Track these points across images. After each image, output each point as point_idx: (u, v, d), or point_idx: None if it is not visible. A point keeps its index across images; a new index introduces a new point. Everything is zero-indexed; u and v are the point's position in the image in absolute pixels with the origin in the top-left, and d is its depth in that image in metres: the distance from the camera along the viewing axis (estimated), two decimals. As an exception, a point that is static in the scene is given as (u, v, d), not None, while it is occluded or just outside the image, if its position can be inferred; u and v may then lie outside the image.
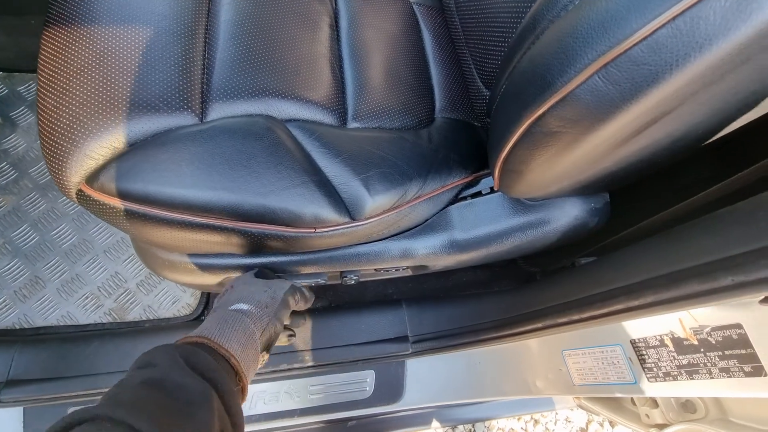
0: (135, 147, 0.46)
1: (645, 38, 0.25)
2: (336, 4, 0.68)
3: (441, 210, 0.61)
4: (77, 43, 0.49)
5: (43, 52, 0.51)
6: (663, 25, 0.24)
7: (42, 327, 0.80)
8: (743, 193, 0.47)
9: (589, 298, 0.49)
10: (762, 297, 0.34)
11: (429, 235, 0.60)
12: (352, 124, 0.59)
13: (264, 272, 0.55)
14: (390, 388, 0.84)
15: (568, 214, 0.57)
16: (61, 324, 0.81)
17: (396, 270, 0.66)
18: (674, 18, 0.23)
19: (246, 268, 0.56)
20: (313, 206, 0.49)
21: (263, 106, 0.52)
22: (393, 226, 0.57)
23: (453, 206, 0.61)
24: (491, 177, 0.63)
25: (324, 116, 0.56)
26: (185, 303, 0.86)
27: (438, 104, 0.68)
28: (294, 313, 0.55)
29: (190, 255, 0.56)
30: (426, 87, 0.68)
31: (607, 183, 0.49)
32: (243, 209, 0.46)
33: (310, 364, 0.79)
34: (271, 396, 0.81)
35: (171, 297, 0.86)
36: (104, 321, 0.82)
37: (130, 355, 0.75)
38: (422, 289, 0.97)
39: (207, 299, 0.88)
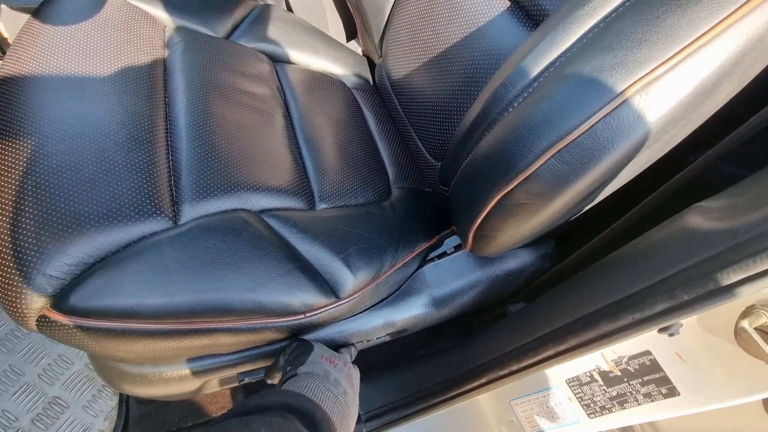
0: (107, 260, 0.44)
1: (587, 130, 0.33)
2: (285, 96, 0.74)
3: (413, 274, 0.65)
4: (28, 160, 0.47)
5: (-15, 172, 0.47)
6: (599, 121, 0.32)
7: None
8: (625, 236, 0.55)
9: (522, 348, 0.51)
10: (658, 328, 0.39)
11: (407, 299, 0.63)
12: (321, 206, 0.62)
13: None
14: (350, 478, 0.78)
15: (526, 262, 0.64)
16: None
17: (377, 338, 0.67)
18: (605, 116, 0.32)
19: (231, 365, 0.54)
20: (301, 292, 0.49)
21: (236, 201, 0.53)
22: (373, 297, 0.60)
23: (424, 268, 0.65)
24: (453, 237, 0.69)
25: (294, 202, 0.59)
26: (98, 430, 0.75)
27: (391, 176, 0.74)
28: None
29: (166, 364, 0.52)
30: (378, 162, 0.75)
31: (556, 231, 0.57)
32: (233, 307, 0.46)
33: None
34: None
35: (80, 426, 0.74)
36: (-6, 474, 0.68)
37: None
38: (367, 361, 0.94)
39: (125, 420, 0.77)
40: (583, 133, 0.33)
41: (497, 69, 0.46)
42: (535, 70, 0.37)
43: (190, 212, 0.51)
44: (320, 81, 0.79)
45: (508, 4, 0.55)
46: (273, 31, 0.79)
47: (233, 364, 0.54)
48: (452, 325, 0.98)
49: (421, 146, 0.72)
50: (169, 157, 0.54)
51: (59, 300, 0.42)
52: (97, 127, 0.51)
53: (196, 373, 0.53)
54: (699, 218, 0.39)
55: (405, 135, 0.79)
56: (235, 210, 0.53)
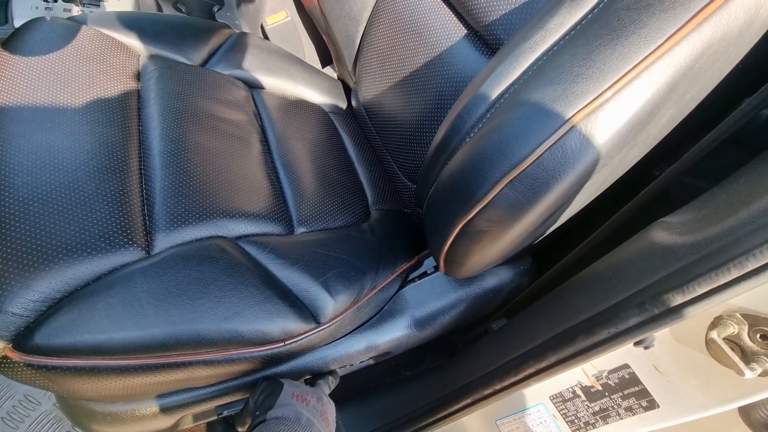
0: (76, 294, 0.43)
1: (535, 161, 0.35)
2: (261, 121, 0.74)
3: (394, 295, 0.65)
4: (-6, 193, 0.46)
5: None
6: (545, 152, 0.34)
7: None
8: (599, 250, 0.57)
9: (504, 366, 0.52)
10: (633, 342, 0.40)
11: (389, 321, 0.62)
12: (299, 230, 0.61)
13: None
14: None
15: (504, 279, 0.64)
16: None
17: (361, 362, 0.66)
18: (550, 147, 0.34)
19: (208, 398, 0.52)
20: (280, 319, 0.49)
21: (212, 229, 0.53)
22: (355, 321, 0.59)
23: (405, 289, 0.65)
24: (432, 257, 0.69)
25: (272, 227, 0.58)
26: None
27: (370, 199, 0.74)
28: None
29: (139, 401, 0.50)
30: (356, 184, 0.75)
31: (528, 249, 0.58)
32: (209, 338, 0.44)
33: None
34: None
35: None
36: None
37: None
38: (351, 386, 0.91)
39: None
40: (531, 163, 0.35)
41: (460, 94, 0.47)
42: (488, 101, 0.39)
43: (164, 241, 0.50)
44: (297, 106, 0.80)
45: (466, 31, 0.57)
46: (249, 58, 0.80)
47: (210, 398, 0.53)
48: (436, 345, 0.97)
49: (397, 169, 0.73)
50: (142, 186, 0.53)
51: (23, 339, 0.40)
52: (67, 157, 0.50)
53: (170, 409, 0.51)
54: (663, 233, 0.40)
55: (382, 158, 0.80)
56: (210, 237, 0.52)
